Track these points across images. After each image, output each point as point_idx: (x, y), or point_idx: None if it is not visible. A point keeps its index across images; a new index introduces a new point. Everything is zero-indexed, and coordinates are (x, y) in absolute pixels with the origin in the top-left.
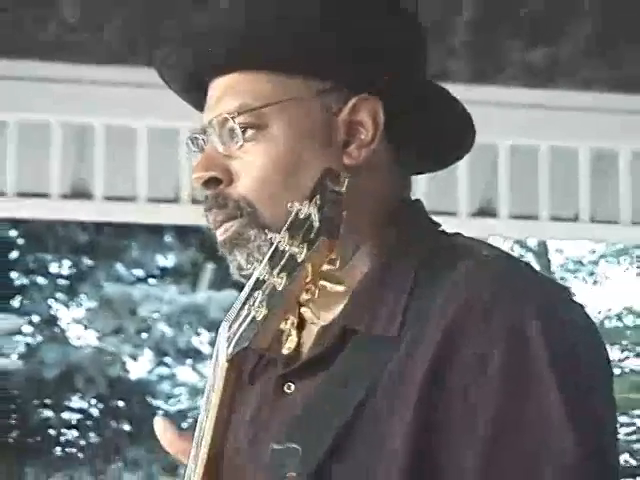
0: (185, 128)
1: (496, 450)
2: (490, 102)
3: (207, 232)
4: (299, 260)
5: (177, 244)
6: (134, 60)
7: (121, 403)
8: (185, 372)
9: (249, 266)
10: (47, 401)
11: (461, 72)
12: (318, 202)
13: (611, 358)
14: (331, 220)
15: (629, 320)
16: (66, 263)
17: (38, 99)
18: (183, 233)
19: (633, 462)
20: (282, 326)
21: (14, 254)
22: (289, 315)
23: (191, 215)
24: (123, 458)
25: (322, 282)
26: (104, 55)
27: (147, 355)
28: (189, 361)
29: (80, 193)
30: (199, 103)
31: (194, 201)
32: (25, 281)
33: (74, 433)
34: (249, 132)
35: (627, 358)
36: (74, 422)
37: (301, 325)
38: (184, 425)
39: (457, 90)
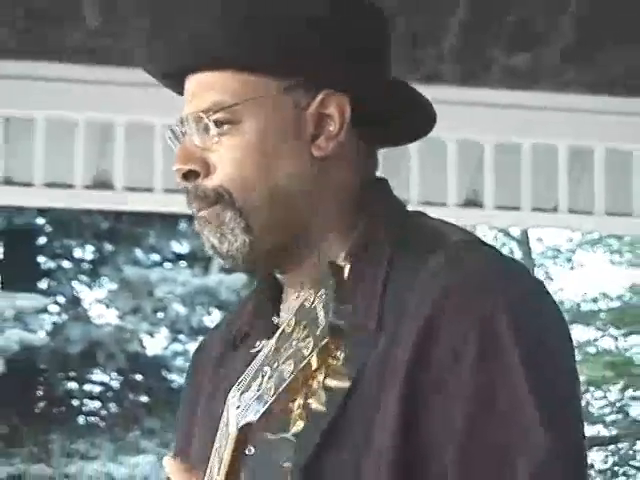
0: None
1: (470, 443)
2: (477, 103)
3: None
4: (305, 354)
5: (191, 231)
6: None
7: (139, 377)
8: None
9: (222, 246)
10: (71, 374)
11: (450, 75)
12: (324, 297)
13: (587, 338)
14: (337, 322)
15: (603, 303)
16: (89, 248)
17: (63, 98)
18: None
19: (605, 433)
20: (290, 406)
21: (41, 240)
22: (296, 397)
23: None
24: (140, 427)
25: (327, 381)
26: (124, 58)
27: (163, 333)
28: (201, 338)
29: (102, 184)
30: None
31: None
32: (51, 265)
33: (96, 404)
34: (224, 127)
35: (602, 337)
36: (96, 394)
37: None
38: None
39: (446, 92)
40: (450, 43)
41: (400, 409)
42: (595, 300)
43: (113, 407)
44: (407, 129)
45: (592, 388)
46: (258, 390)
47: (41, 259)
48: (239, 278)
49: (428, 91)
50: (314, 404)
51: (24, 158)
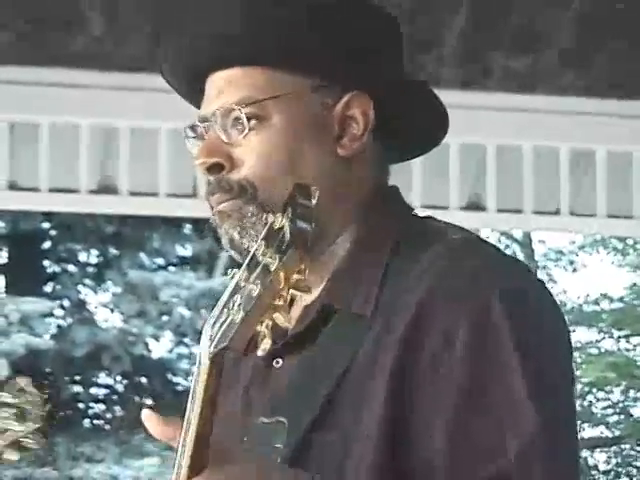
0: None
1: (459, 435)
2: (479, 106)
3: None
4: (271, 269)
5: (195, 235)
6: (154, 68)
7: (144, 380)
8: None
9: (242, 240)
10: (76, 377)
11: (452, 79)
12: (290, 215)
13: (589, 340)
14: (301, 233)
15: (605, 305)
16: (94, 252)
17: (68, 103)
18: (200, 225)
19: (608, 434)
20: (258, 328)
21: (47, 244)
22: (264, 318)
23: (208, 209)
24: (145, 430)
25: (292, 291)
26: (127, 63)
27: (168, 336)
28: None
29: (106, 188)
30: (195, 98)
31: None
32: (57, 268)
33: (101, 407)
34: (252, 122)
35: (603, 339)
36: (101, 397)
37: (291, 303)
38: None
39: (447, 96)
40: (451, 47)
41: (389, 388)
42: (597, 302)
43: (118, 410)
44: (421, 135)
45: (594, 389)
46: (228, 316)
47: (46, 263)
48: None
49: None
50: (280, 320)
51: (29, 163)
